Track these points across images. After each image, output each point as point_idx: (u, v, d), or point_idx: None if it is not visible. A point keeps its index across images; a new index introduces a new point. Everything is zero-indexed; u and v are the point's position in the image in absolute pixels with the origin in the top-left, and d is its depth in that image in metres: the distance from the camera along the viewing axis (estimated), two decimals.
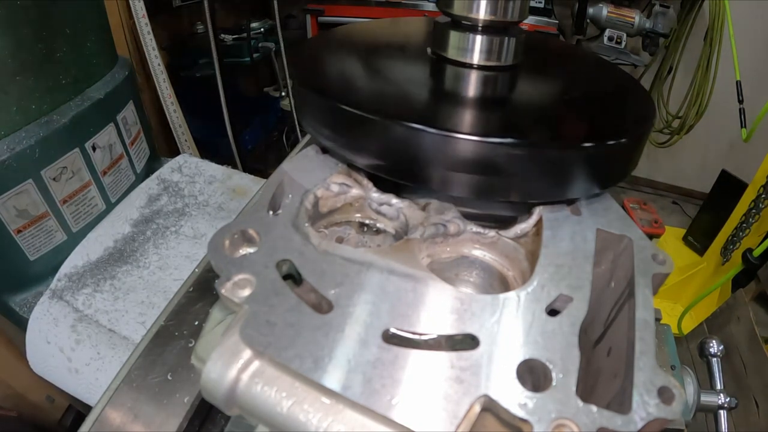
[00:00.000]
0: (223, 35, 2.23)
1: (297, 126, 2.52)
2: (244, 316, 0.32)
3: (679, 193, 3.22)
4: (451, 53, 0.54)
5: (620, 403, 0.30)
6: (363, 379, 0.29)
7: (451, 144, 0.39)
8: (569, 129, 0.45)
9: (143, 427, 0.43)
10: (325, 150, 0.50)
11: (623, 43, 2.18)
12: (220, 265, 0.35)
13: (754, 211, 1.77)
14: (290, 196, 0.43)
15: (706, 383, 0.75)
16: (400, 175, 0.43)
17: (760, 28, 2.47)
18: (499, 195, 0.42)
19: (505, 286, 0.44)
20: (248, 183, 1.14)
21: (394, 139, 0.41)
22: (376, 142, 0.43)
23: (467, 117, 0.46)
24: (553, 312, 0.35)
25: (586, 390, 0.34)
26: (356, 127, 0.43)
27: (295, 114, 0.54)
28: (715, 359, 0.77)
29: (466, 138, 0.39)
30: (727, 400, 0.72)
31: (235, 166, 2.15)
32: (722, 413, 0.72)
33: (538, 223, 0.44)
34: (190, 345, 0.48)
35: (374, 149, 0.43)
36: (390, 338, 0.32)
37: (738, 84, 1.80)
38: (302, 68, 0.51)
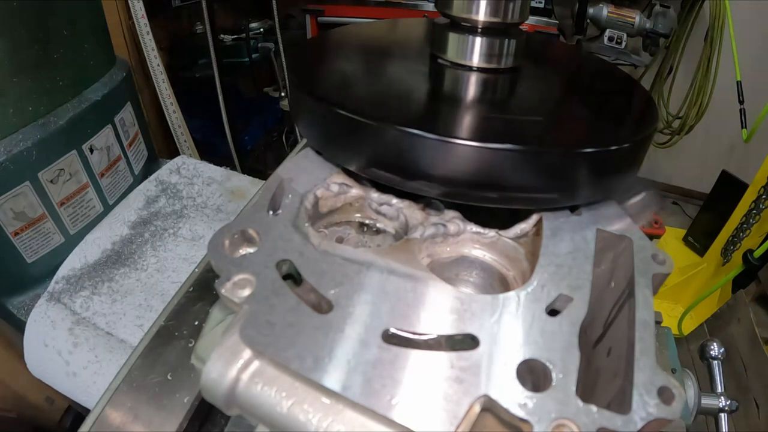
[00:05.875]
0: (222, 35, 2.23)
1: (296, 127, 2.51)
2: (244, 316, 0.32)
3: (680, 194, 3.22)
4: (450, 55, 0.54)
5: (620, 403, 0.30)
6: (363, 379, 0.29)
7: (449, 150, 0.39)
8: (571, 134, 0.45)
9: (143, 427, 0.43)
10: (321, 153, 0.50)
11: (623, 44, 2.18)
12: (220, 265, 0.35)
13: (754, 211, 1.76)
14: (290, 196, 0.43)
15: (706, 385, 0.74)
16: (397, 181, 0.43)
17: (761, 28, 2.47)
18: (500, 202, 0.41)
19: (505, 286, 0.44)
20: (247, 185, 1.14)
21: (392, 145, 0.41)
22: (372, 148, 0.42)
23: (466, 122, 0.45)
24: (553, 312, 0.35)
25: (586, 390, 0.34)
26: (353, 132, 0.43)
27: (292, 116, 0.54)
28: (715, 362, 0.77)
29: (465, 144, 0.38)
30: (728, 403, 0.72)
31: (234, 167, 2.16)
32: (723, 416, 0.72)
33: (538, 223, 0.44)
34: (190, 345, 0.48)
35: (371, 155, 0.43)
36: (390, 338, 0.32)
37: (738, 84, 1.80)
38: (299, 71, 0.51)
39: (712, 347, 0.78)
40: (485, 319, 0.34)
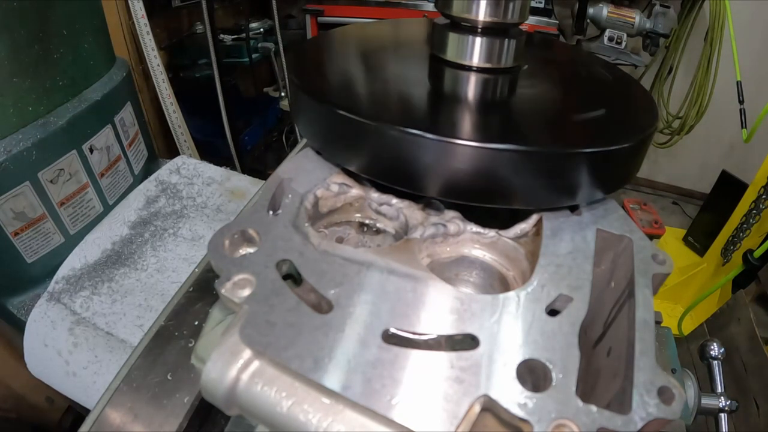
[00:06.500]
0: (222, 35, 2.23)
1: (296, 127, 2.51)
2: (244, 316, 0.32)
3: (680, 194, 3.22)
4: (450, 55, 0.54)
5: (620, 403, 0.30)
6: (363, 379, 0.29)
7: (449, 150, 0.39)
8: (571, 134, 0.45)
9: (143, 427, 0.43)
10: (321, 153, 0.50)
11: (623, 44, 2.18)
12: (220, 265, 0.35)
13: (754, 211, 1.76)
14: (290, 196, 0.43)
15: (706, 385, 0.74)
16: (397, 181, 0.43)
17: (761, 28, 2.48)
18: (500, 202, 0.41)
19: (505, 286, 0.44)
20: (246, 185, 1.14)
21: (392, 145, 0.41)
22: (372, 148, 0.42)
23: (466, 122, 0.45)
24: (553, 312, 0.35)
25: (586, 390, 0.34)
26: (352, 132, 0.43)
27: (292, 116, 0.54)
28: (715, 362, 0.77)
29: (464, 144, 0.38)
30: (728, 403, 0.72)
31: (234, 167, 2.16)
32: (723, 416, 0.72)
33: (538, 223, 0.44)
34: (190, 345, 0.48)
35: (371, 155, 0.43)
36: (390, 338, 0.32)
37: (738, 84, 1.80)
38: (299, 71, 0.51)
39: (712, 347, 0.78)
40: (485, 319, 0.34)
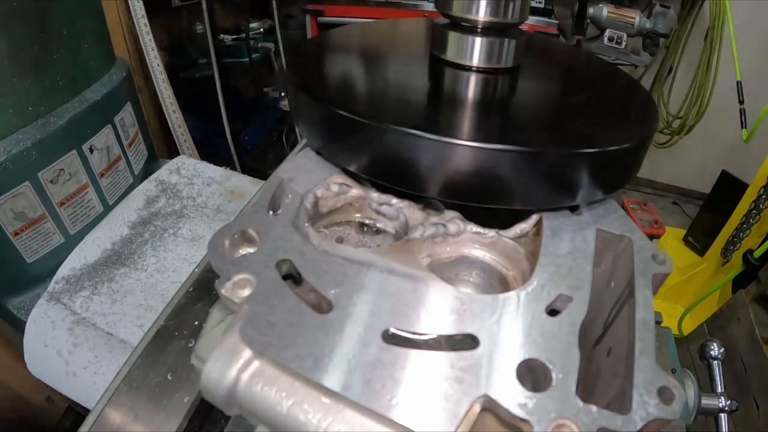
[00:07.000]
0: (222, 35, 2.23)
1: (296, 127, 2.50)
2: (243, 316, 0.32)
3: (680, 194, 3.22)
4: (450, 55, 0.54)
5: (620, 403, 0.30)
6: (363, 379, 0.29)
7: (449, 150, 0.39)
8: (571, 135, 0.45)
9: (143, 427, 0.43)
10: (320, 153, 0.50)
11: (623, 44, 2.18)
12: (220, 265, 0.35)
13: (754, 211, 1.76)
14: (290, 196, 0.43)
15: (706, 385, 0.74)
16: (397, 181, 0.43)
17: (761, 28, 2.47)
18: (500, 202, 0.41)
19: (505, 286, 0.44)
20: (247, 185, 1.14)
21: (392, 146, 0.41)
22: (372, 148, 0.42)
23: (466, 122, 0.45)
24: (553, 312, 0.35)
25: (586, 390, 0.34)
26: (352, 132, 0.43)
27: (292, 116, 0.54)
28: (715, 362, 0.77)
29: (464, 144, 0.38)
30: (728, 403, 0.72)
31: (234, 167, 2.16)
32: (723, 416, 0.72)
33: (538, 223, 0.44)
34: (190, 345, 0.48)
35: (371, 155, 0.43)
36: (390, 338, 0.32)
37: (738, 84, 1.80)
38: (299, 71, 0.51)
39: (712, 347, 0.78)
40: (485, 319, 0.34)
